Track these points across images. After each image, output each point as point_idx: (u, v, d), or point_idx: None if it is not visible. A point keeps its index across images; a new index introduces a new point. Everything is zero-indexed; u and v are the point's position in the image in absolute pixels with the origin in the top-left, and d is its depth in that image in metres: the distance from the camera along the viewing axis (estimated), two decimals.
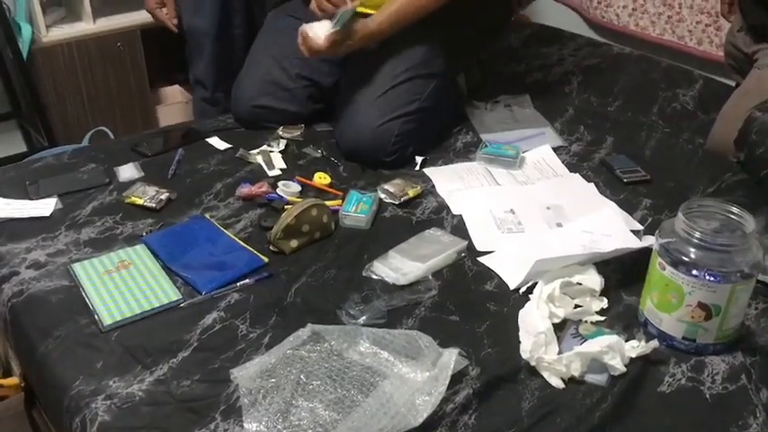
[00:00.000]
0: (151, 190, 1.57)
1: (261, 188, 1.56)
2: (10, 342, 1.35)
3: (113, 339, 1.20)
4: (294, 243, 1.40)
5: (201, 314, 1.26)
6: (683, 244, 1.16)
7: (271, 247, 1.41)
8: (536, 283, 1.29)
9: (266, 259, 1.38)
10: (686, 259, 1.15)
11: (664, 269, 1.17)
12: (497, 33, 2.11)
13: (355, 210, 1.49)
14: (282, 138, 1.80)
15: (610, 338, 1.15)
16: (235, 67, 2.38)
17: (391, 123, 1.69)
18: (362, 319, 1.21)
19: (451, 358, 1.09)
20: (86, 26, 2.51)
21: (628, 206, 1.56)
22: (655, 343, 1.16)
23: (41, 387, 1.22)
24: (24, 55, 2.42)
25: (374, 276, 1.33)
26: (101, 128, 2.49)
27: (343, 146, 1.74)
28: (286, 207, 1.50)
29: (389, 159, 1.69)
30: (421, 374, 1.09)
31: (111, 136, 2.49)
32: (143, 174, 1.67)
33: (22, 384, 1.36)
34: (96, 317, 1.24)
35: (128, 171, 1.67)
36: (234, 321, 1.24)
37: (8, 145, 2.60)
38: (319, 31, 1.63)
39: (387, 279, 1.32)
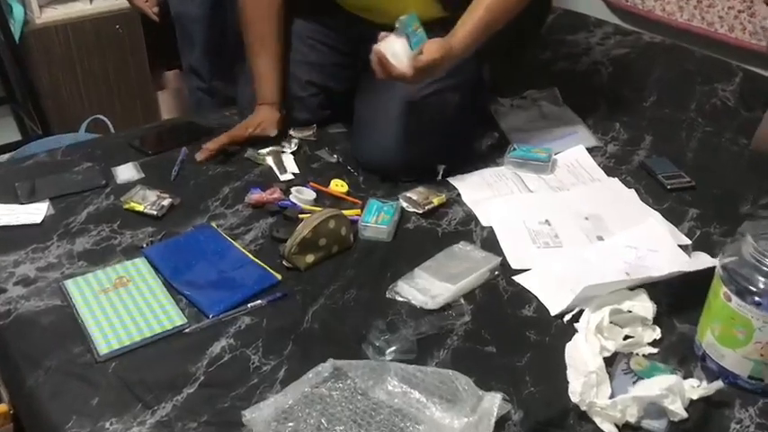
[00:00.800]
0: (152, 195, 1.44)
1: (273, 194, 1.42)
2: None
3: (110, 371, 1.07)
4: (310, 258, 1.27)
5: (208, 342, 1.13)
6: (751, 271, 1.03)
7: (284, 262, 1.28)
8: (581, 310, 1.16)
9: (279, 276, 1.25)
10: (755, 289, 1.02)
11: (729, 300, 1.04)
12: (537, 27, 1.95)
13: (376, 220, 1.36)
14: (294, 138, 1.65)
15: (669, 379, 1.02)
16: (230, 54, 2.25)
17: (419, 144, 1.53)
18: (389, 351, 1.08)
19: (494, 404, 0.97)
20: (83, 7, 2.37)
21: (673, 216, 1.43)
22: (719, 384, 1.03)
23: (31, 424, 1.09)
24: (16, 37, 2.28)
25: (399, 298, 1.20)
26: (98, 116, 2.35)
27: (362, 162, 1.59)
28: (300, 216, 1.36)
29: (414, 177, 1.54)
30: (458, 421, 0.97)
31: (109, 125, 2.35)
32: (143, 175, 1.53)
33: (11, 412, 1.24)
34: (91, 344, 1.11)
35: (126, 172, 1.54)
36: (245, 351, 1.11)
37: (1, 132, 2.46)
38: (401, 55, 1.34)
39: (413, 302, 1.19)
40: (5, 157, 2.23)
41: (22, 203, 1.43)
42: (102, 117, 2.35)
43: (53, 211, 1.42)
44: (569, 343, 1.10)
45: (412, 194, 1.44)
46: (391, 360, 1.07)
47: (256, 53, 1.66)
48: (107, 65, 2.42)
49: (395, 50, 1.34)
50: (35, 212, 1.40)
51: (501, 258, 1.29)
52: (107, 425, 0.99)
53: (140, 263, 1.28)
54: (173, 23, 2.13)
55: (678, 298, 1.22)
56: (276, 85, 1.66)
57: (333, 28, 1.70)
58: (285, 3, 1.67)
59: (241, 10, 1.67)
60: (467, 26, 1.42)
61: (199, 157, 1.57)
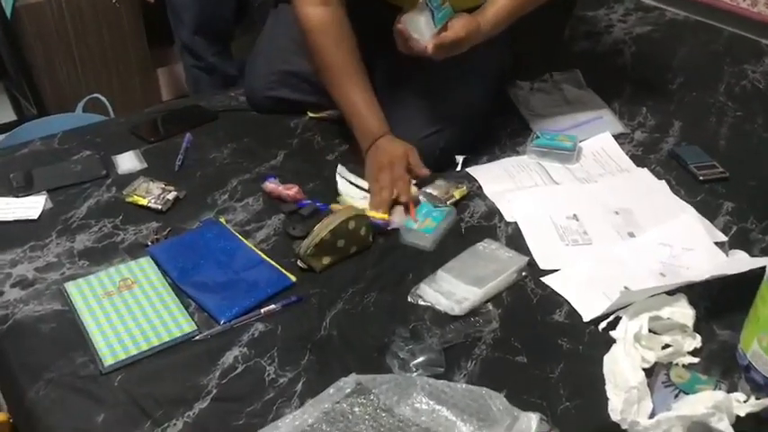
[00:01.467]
0: (156, 187, 1.35)
1: (291, 190, 1.34)
2: None
3: (116, 384, 1.00)
4: (327, 260, 1.20)
5: (220, 351, 1.06)
6: None
7: (299, 263, 1.20)
8: (616, 317, 1.09)
9: (294, 278, 1.18)
10: None
11: None
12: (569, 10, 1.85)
13: (421, 225, 1.27)
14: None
15: (715, 396, 0.95)
16: (223, 28, 2.16)
17: (436, 136, 1.44)
18: (415, 364, 1.01)
19: (531, 426, 0.90)
20: None
21: (707, 210, 1.35)
22: None
23: None
24: (8, 13, 2.18)
25: (422, 303, 1.13)
26: (95, 95, 2.25)
27: None
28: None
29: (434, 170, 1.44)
30: None
31: (107, 104, 2.25)
32: (145, 165, 1.45)
33: (11, 420, 1.17)
34: (95, 355, 1.04)
35: (128, 161, 1.45)
36: (259, 361, 1.04)
37: None
38: (424, 30, 1.27)
39: (438, 307, 1.11)
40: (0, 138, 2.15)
41: (18, 197, 1.35)
42: (99, 96, 2.25)
43: (51, 205, 1.34)
44: (607, 355, 1.03)
45: (432, 189, 1.36)
46: (417, 374, 1.00)
47: (348, 80, 1.41)
48: (104, 41, 2.32)
49: (418, 25, 1.27)
50: (32, 206, 1.32)
51: (528, 258, 1.21)
52: None
53: (145, 263, 1.20)
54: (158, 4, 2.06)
55: (717, 301, 1.15)
56: (382, 113, 1.42)
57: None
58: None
59: (306, 35, 1.42)
60: (498, 4, 1.34)
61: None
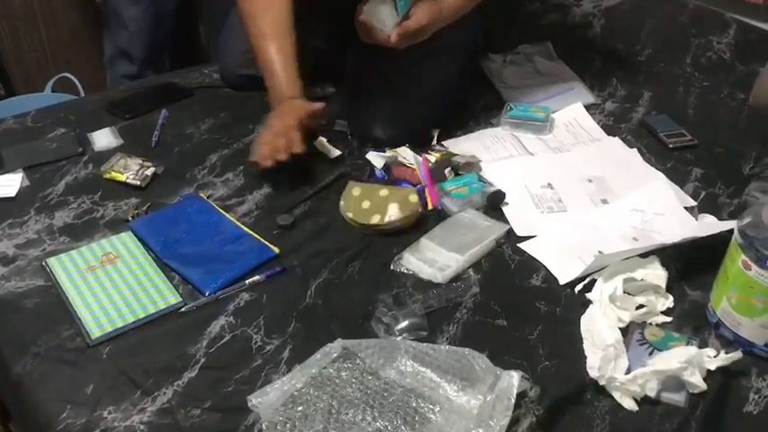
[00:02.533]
0: (133, 163, 1.35)
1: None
2: None
3: (104, 357, 1.01)
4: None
5: (207, 321, 1.07)
6: None
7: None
8: (592, 279, 1.13)
9: (277, 250, 1.19)
10: None
11: (748, 268, 1.00)
12: None
13: (455, 190, 1.30)
14: None
15: (687, 351, 0.99)
16: (166, 37, 2.06)
17: (411, 114, 1.46)
18: (399, 328, 1.03)
19: (512, 383, 0.93)
20: None
21: (676, 177, 1.40)
22: (738, 354, 1.01)
23: (21, 415, 1.03)
24: None
25: (405, 271, 1.15)
26: (65, 74, 2.22)
27: (358, 132, 1.49)
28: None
29: (407, 144, 1.46)
30: (475, 401, 0.93)
31: (77, 84, 2.23)
32: (122, 141, 1.44)
33: None
34: (82, 328, 1.04)
35: (104, 138, 1.44)
36: (246, 330, 1.06)
37: None
38: (386, 19, 1.28)
39: (421, 275, 1.14)
40: None
41: None
42: (69, 75, 2.22)
43: (28, 183, 1.33)
44: (584, 316, 1.07)
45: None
46: (402, 338, 1.02)
47: (270, 45, 1.38)
48: (71, 19, 2.28)
49: (380, 15, 1.28)
50: (8, 184, 1.31)
51: (508, 227, 1.24)
52: (105, 413, 0.93)
53: (127, 237, 1.20)
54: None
55: (688, 263, 1.19)
56: (299, 76, 1.40)
57: None
58: None
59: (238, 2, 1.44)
60: None
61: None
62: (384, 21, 1.28)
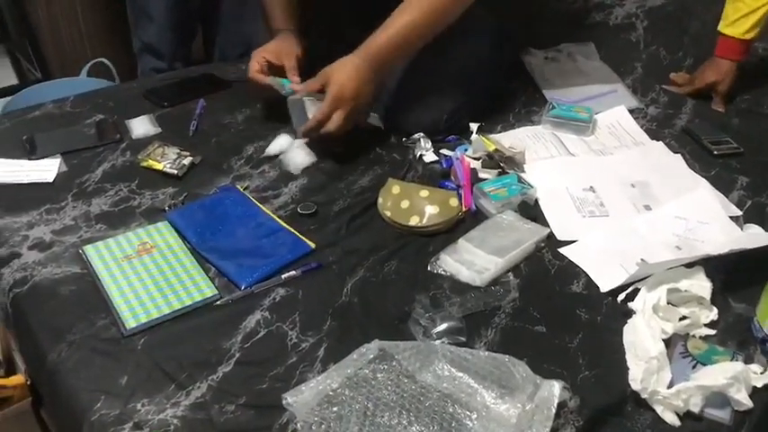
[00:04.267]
0: (171, 152, 1.35)
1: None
2: (14, 339, 1.15)
3: (139, 348, 1.00)
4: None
5: (242, 315, 1.06)
6: None
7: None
8: (635, 288, 1.10)
9: (313, 245, 1.18)
10: None
11: None
12: None
13: (494, 191, 1.27)
14: None
15: (733, 367, 0.96)
16: (191, 24, 2.04)
17: (440, 99, 1.43)
18: (437, 332, 1.02)
19: (553, 393, 0.91)
20: None
21: (721, 185, 1.36)
22: None
23: (55, 403, 1.02)
24: None
25: (442, 272, 1.13)
26: (100, 59, 2.23)
27: (384, 123, 1.48)
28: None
29: (441, 136, 1.45)
30: (515, 409, 0.91)
31: (112, 69, 2.23)
32: (159, 129, 1.44)
33: (28, 382, 1.18)
34: (117, 318, 1.04)
35: (142, 126, 1.44)
36: (281, 326, 1.05)
37: None
38: (305, 117, 1.34)
39: (459, 278, 1.12)
40: (4, 101, 2.12)
41: (32, 159, 1.34)
42: (105, 60, 2.23)
43: (65, 168, 1.33)
44: (627, 326, 1.04)
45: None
46: (439, 341, 1.00)
47: None
48: (109, 3, 2.28)
49: (299, 119, 1.35)
50: (46, 169, 1.32)
51: (549, 230, 1.21)
52: (138, 406, 0.93)
53: (163, 227, 1.20)
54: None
55: (733, 275, 1.15)
56: (296, 10, 1.48)
57: None
58: None
59: None
60: (389, 31, 1.30)
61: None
62: (303, 119, 1.34)
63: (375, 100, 1.38)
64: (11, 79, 2.42)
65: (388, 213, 1.21)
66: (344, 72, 1.28)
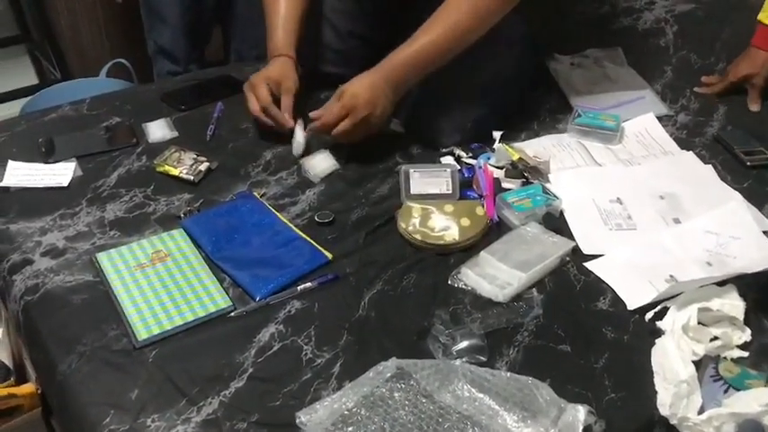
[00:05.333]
0: (187, 158, 1.32)
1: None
2: (25, 348, 1.13)
3: (150, 361, 0.98)
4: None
5: (256, 328, 1.03)
6: None
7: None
8: (663, 307, 1.06)
9: (330, 256, 1.15)
10: None
11: None
12: None
13: (518, 202, 1.23)
14: None
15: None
16: (205, 27, 2.02)
17: (466, 107, 1.40)
18: (457, 350, 0.98)
19: (578, 418, 0.87)
20: None
21: (754, 197, 1.31)
22: None
23: (64, 416, 0.99)
24: None
25: (463, 286, 1.10)
26: (119, 60, 2.21)
27: (406, 129, 1.45)
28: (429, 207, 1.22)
29: (465, 143, 1.41)
30: None
31: (131, 70, 2.22)
32: (176, 134, 1.41)
33: (39, 391, 1.16)
34: (129, 329, 1.01)
35: (158, 130, 1.42)
36: (296, 340, 1.02)
37: (19, 76, 2.33)
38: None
39: (481, 293, 1.08)
40: (23, 101, 2.11)
41: (47, 162, 1.32)
42: (123, 61, 2.22)
43: (80, 173, 1.31)
44: (655, 347, 1.00)
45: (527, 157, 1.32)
46: (459, 361, 0.96)
47: (275, 3, 1.43)
48: (129, 3, 2.27)
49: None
50: (61, 174, 1.29)
51: (574, 243, 1.17)
52: (148, 422, 0.90)
53: (178, 235, 1.17)
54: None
55: (767, 293, 1.11)
56: (299, 36, 1.44)
57: None
58: None
59: None
60: (409, 50, 1.28)
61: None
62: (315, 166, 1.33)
63: (394, 111, 1.36)
64: (31, 79, 2.41)
65: (419, 237, 1.17)
66: (360, 85, 1.28)
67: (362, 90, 1.27)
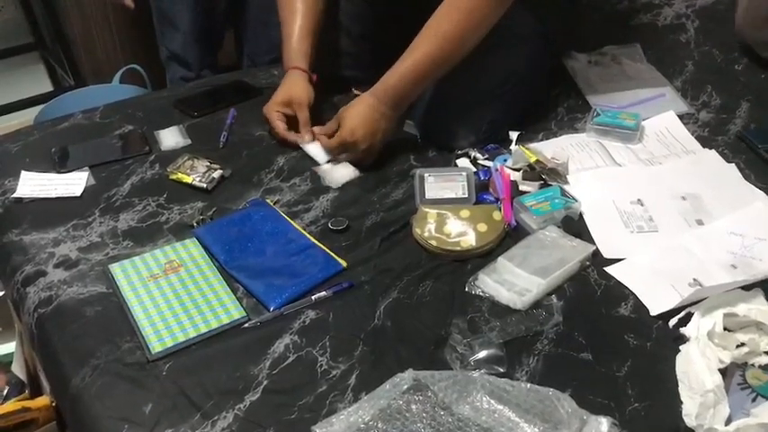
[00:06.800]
0: (201, 165, 1.31)
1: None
2: (39, 360, 1.13)
3: (164, 374, 0.97)
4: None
5: (270, 339, 1.02)
6: None
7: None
8: (687, 312, 1.03)
9: (344, 263, 1.13)
10: None
11: None
12: None
13: (536, 206, 1.20)
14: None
15: None
16: (217, 34, 2.01)
17: (481, 108, 1.37)
18: (475, 360, 0.96)
19: (601, 429, 0.85)
20: None
21: None
22: None
23: (77, 430, 0.98)
24: None
25: (481, 294, 1.07)
26: (132, 66, 2.21)
27: (420, 132, 1.43)
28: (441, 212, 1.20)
29: (480, 144, 1.39)
30: None
31: (144, 75, 2.21)
32: (189, 141, 1.40)
33: (53, 404, 1.15)
34: (142, 341, 1.00)
35: (171, 137, 1.41)
36: (311, 351, 1.00)
37: (34, 83, 2.34)
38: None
39: (499, 300, 1.06)
40: (37, 109, 2.12)
41: (60, 172, 1.31)
42: (136, 67, 2.21)
43: (93, 182, 1.30)
44: (680, 355, 0.97)
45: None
46: (477, 371, 0.94)
47: (290, 15, 1.44)
48: (141, 9, 2.26)
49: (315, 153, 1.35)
50: (74, 183, 1.29)
51: (594, 247, 1.14)
52: None
53: (191, 244, 1.16)
54: (148, 4, 1.94)
55: None
56: (312, 47, 1.44)
57: None
58: None
59: None
60: (403, 67, 1.27)
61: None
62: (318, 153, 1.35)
63: (407, 112, 1.36)
64: (46, 86, 2.42)
65: (434, 243, 1.14)
66: (357, 116, 1.29)
67: (359, 123, 1.28)
